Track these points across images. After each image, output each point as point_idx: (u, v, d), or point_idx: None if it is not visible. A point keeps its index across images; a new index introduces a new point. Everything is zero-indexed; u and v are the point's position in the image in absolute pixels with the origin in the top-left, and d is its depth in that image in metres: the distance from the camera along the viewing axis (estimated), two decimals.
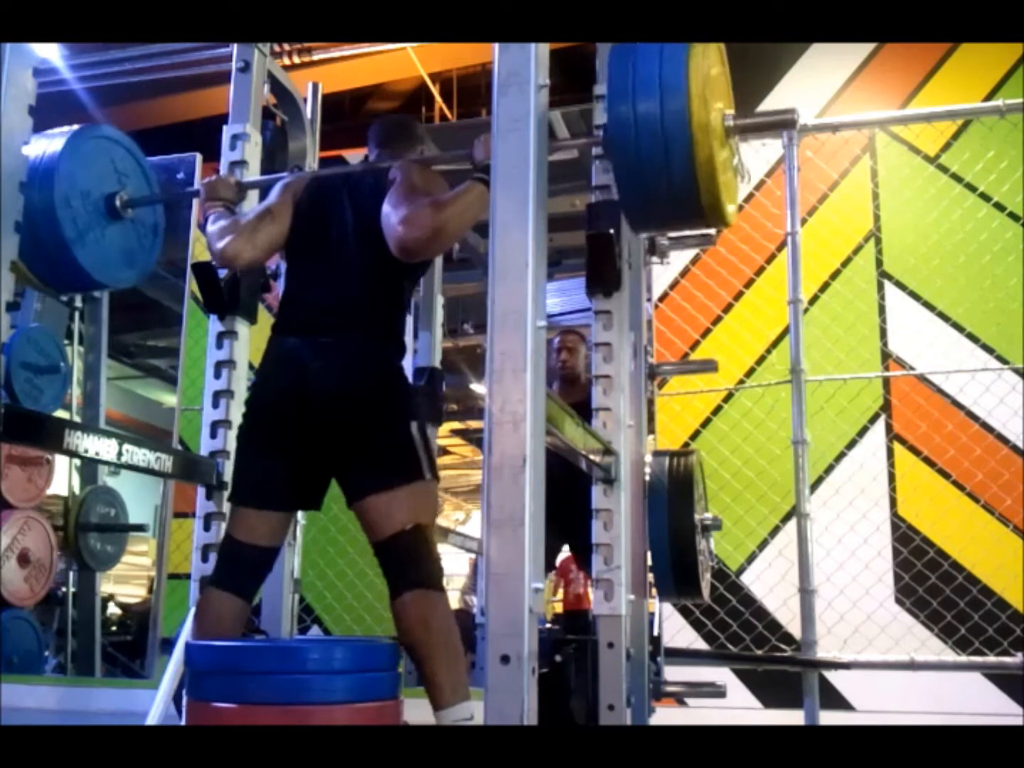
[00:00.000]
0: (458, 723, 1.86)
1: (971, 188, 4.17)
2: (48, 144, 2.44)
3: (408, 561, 1.96)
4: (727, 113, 1.84)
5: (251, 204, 2.45)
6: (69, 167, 2.42)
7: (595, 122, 2.31)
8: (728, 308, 4.33)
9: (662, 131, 1.69)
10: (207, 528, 2.37)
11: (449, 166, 2.28)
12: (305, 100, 3.00)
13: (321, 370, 2.02)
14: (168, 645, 2.90)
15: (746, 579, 4.22)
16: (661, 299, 4.39)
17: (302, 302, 2.17)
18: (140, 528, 5.10)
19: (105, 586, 5.39)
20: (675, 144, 1.69)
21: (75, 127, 2.51)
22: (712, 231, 3.46)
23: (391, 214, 2.00)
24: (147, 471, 2.35)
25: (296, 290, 2.20)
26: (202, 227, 2.34)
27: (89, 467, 4.43)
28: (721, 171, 1.74)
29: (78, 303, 4.42)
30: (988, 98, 4.28)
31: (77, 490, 4.42)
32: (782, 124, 2.08)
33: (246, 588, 2.08)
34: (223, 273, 2.39)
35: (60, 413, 4.19)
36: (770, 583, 4.01)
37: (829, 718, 3.16)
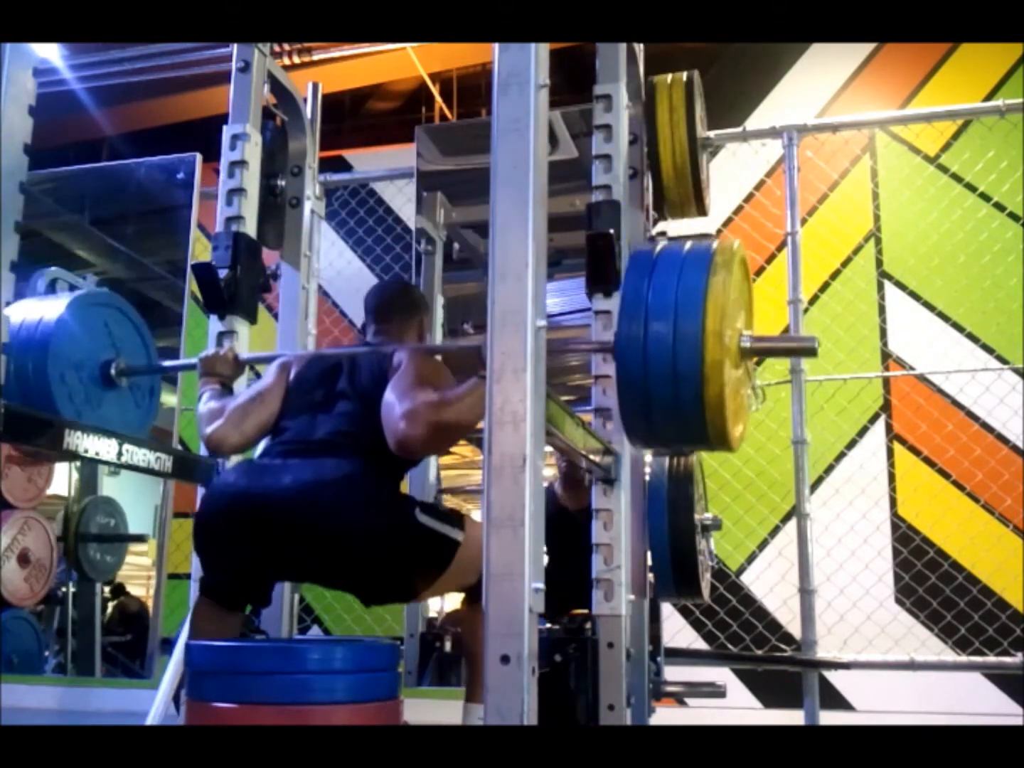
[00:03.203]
0: (482, 721, 1.87)
1: (971, 188, 4.18)
2: (42, 313, 2.41)
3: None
4: (744, 334, 1.76)
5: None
6: (63, 342, 2.40)
7: (595, 122, 2.31)
8: None
9: (673, 362, 1.64)
10: None
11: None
12: (305, 100, 3.00)
13: (299, 495, 1.87)
14: (168, 645, 2.90)
15: (746, 579, 4.22)
16: None
17: (283, 441, 2.06)
18: (140, 539, 5.11)
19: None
20: (685, 377, 1.63)
21: (69, 296, 2.50)
22: (712, 231, 3.47)
23: (394, 405, 1.90)
24: (147, 471, 2.34)
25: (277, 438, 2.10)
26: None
27: (89, 467, 4.42)
28: (731, 398, 1.68)
29: None
30: (988, 98, 4.29)
31: (76, 490, 4.42)
32: (801, 351, 2.05)
33: (236, 604, 2.07)
34: (223, 273, 2.39)
35: None
36: (770, 583, 4.02)
37: (829, 718, 3.16)
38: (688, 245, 1.78)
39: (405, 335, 2.27)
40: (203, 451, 2.19)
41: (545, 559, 1.35)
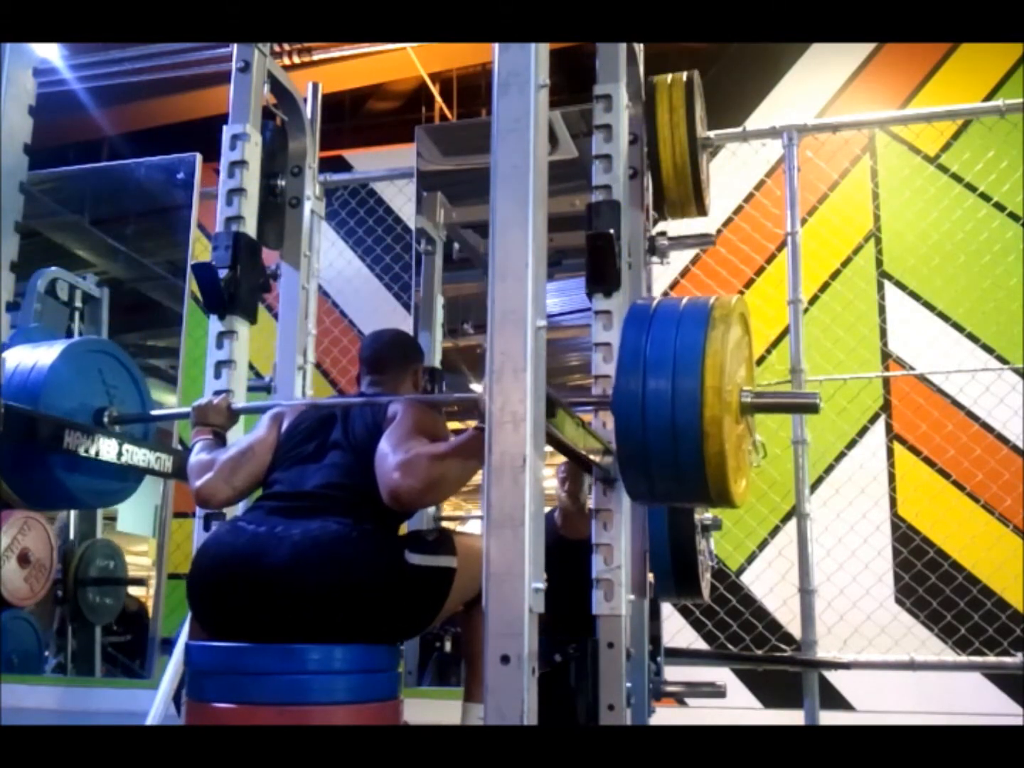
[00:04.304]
0: (482, 720, 1.87)
1: (971, 188, 4.18)
2: (34, 361, 2.40)
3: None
4: (745, 390, 1.74)
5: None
6: (55, 391, 2.39)
7: (595, 122, 2.31)
8: None
9: (672, 418, 1.61)
10: (207, 528, 2.36)
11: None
12: (305, 100, 3.00)
13: (289, 561, 1.81)
14: (168, 645, 2.90)
15: (746, 579, 4.22)
16: None
17: (272, 495, 2.02)
18: (139, 582, 5.11)
19: None
20: (684, 433, 1.61)
21: (63, 343, 2.47)
22: (712, 231, 3.47)
23: (388, 456, 1.86)
24: (147, 471, 2.35)
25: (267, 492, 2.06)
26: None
27: None
28: (732, 455, 1.66)
29: (78, 303, 4.42)
30: (988, 98, 4.29)
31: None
32: (803, 407, 2.04)
33: None
34: (223, 273, 2.39)
35: None
36: (770, 583, 4.02)
37: (829, 718, 3.16)
38: (686, 300, 1.76)
39: (400, 385, 2.24)
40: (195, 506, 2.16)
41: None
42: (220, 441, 2.18)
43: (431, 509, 3.47)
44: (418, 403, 2.04)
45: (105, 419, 2.49)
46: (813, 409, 1.84)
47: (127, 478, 2.62)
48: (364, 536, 1.86)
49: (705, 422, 1.60)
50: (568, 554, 2.65)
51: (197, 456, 2.09)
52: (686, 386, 1.61)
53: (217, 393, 2.31)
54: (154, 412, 2.78)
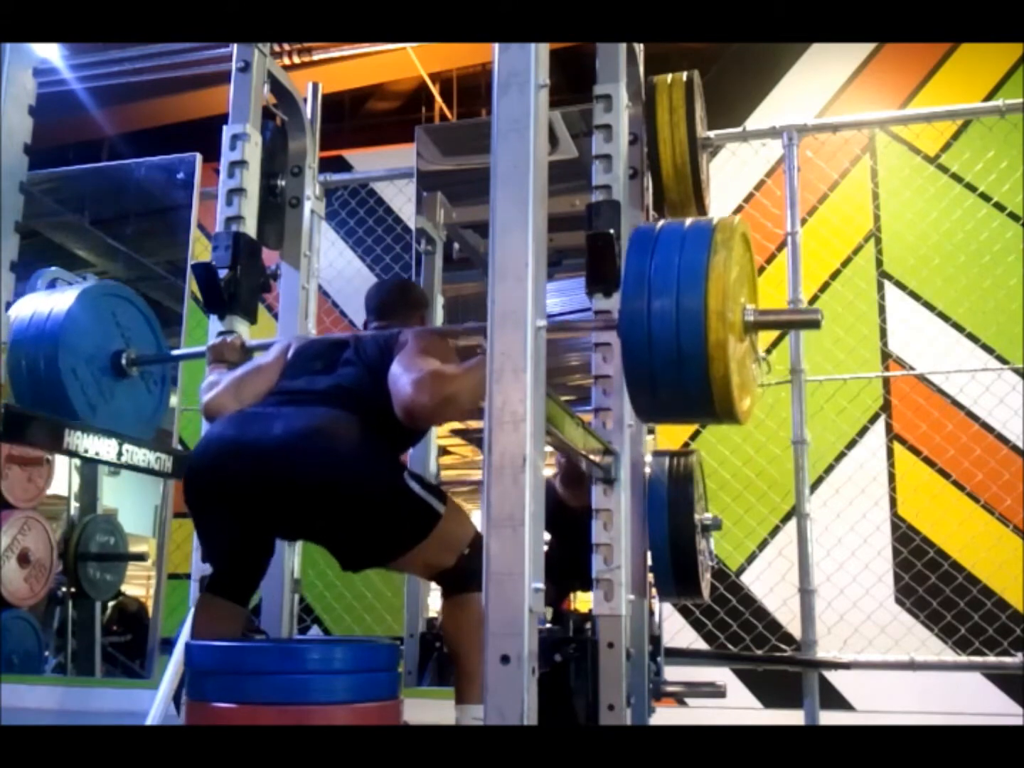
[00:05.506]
0: (477, 721, 1.87)
1: (971, 188, 4.18)
2: (50, 307, 2.41)
3: (468, 574, 1.94)
4: (748, 308, 1.77)
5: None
6: (73, 336, 2.42)
7: (595, 122, 2.31)
8: None
9: (677, 341, 1.63)
10: None
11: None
12: (305, 100, 3.00)
13: (290, 442, 1.87)
14: (168, 645, 2.90)
15: (746, 579, 4.22)
16: None
17: (279, 391, 2.08)
18: (140, 557, 5.10)
19: None
20: (689, 357, 1.63)
21: (77, 288, 2.48)
22: None
23: (402, 375, 1.93)
24: (147, 471, 2.35)
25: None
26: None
27: (89, 467, 4.42)
28: (736, 373, 1.68)
29: None
30: (988, 98, 4.29)
31: (76, 489, 4.40)
32: (804, 323, 2.07)
33: (241, 594, 2.07)
34: (223, 273, 2.39)
35: None
36: (770, 583, 4.02)
37: (829, 718, 3.16)
38: (689, 223, 1.77)
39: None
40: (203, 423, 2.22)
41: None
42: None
43: (432, 469, 3.51)
44: (427, 331, 2.12)
45: (124, 361, 2.53)
46: (815, 325, 1.86)
47: (143, 416, 2.65)
48: (371, 437, 1.93)
49: (710, 346, 1.62)
50: (568, 518, 2.69)
51: (207, 379, 2.20)
52: (690, 312, 1.64)
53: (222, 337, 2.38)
54: (172, 352, 2.81)
